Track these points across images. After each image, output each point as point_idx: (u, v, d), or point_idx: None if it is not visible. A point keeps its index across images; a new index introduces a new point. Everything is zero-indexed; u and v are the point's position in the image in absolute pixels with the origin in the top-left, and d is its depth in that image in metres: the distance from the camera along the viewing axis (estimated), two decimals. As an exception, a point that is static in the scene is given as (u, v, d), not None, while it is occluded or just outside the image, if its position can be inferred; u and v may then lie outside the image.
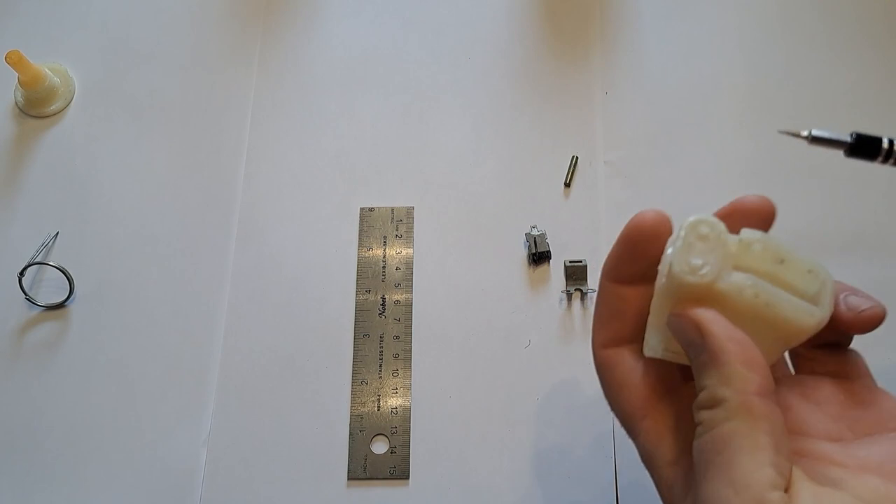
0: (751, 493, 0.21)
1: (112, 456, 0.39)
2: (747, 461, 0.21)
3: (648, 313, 0.26)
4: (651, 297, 0.26)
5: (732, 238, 0.24)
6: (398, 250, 0.43)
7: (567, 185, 0.45)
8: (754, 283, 0.23)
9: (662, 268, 0.25)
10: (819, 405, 0.26)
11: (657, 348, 0.26)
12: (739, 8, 0.49)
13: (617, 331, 0.27)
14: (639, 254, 0.26)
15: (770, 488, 0.21)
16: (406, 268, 0.43)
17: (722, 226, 0.24)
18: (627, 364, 0.27)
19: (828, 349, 0.27)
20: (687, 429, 0.25)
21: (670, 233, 0.26)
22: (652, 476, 0.26)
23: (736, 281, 0.23)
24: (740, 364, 0.23)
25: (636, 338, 0.27)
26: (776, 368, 0.27)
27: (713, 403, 0.23)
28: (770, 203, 0.26)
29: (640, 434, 0.26)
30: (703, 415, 0.23)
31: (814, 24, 0.48)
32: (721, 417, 0.22)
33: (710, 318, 0.23)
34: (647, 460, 0.26)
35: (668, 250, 0.25)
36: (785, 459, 0.22)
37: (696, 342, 0.24)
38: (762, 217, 0.26)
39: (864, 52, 0.47)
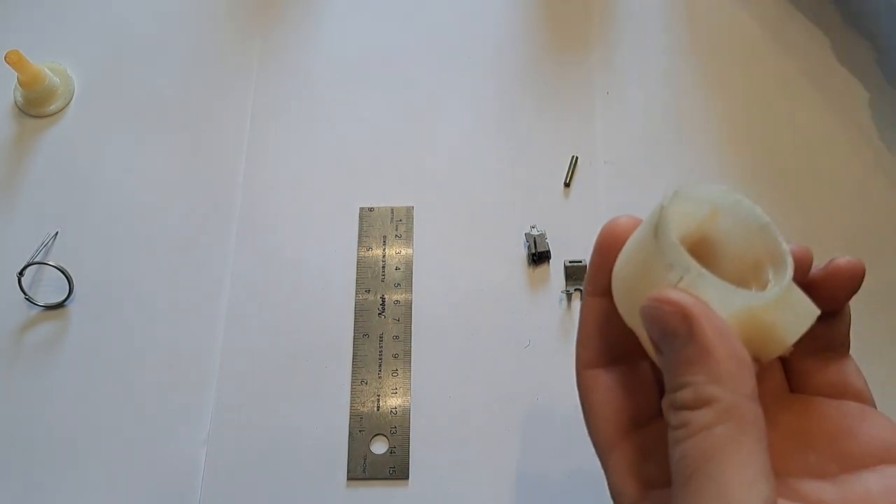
0: None
1: (112, 456, 0.39)
2: (741, 473, 0.19)
3: (628, 331, 0.25)
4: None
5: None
6: (398, 250, 0.43)
7: (567, 185, 0.45)
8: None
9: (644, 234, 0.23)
10: (803, 435, 0.24)
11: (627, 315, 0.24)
12: (740, 8, 0.49)
13: (594, 349, 0.26)
14: (613, 261, 0.25)
15: None
16: (406, 268, 0.43)
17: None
18: (603, 389, 0.25)
19: (821, 358, 0.25)
20: (655, 468, 0.23)
21: None
22: None
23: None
24: (733, 361, 0.20)
25: (616, 358, 0.26)
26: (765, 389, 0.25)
27: (699, 403, 0.20)
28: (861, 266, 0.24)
29: (608, 469, 0.25)
30: (686, 416, 0.20)
31: (814, 24, 0.48)
32: (709, 420, 0.20)
33: (699, 306, 0.21)
34: (613, 498, 0.25)
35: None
36: (772, 474, 0.20)
37: (679, 333, 0.21)
38: (855, 282, 0.24)
39: (864, 51, 0.47)
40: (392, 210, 0.44)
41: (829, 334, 0.25)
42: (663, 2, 0.49)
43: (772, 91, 0.47)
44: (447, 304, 0.42)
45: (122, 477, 0.39)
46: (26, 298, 0.42)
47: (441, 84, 0.48)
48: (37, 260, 0.43)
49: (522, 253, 0.43)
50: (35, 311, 0.43)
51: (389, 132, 0.47)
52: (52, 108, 0.47)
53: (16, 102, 0.48)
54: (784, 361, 0.26)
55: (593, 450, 0.26)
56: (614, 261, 0.25)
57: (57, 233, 0.44)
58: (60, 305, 0.43)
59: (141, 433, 0.40)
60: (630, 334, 0.24)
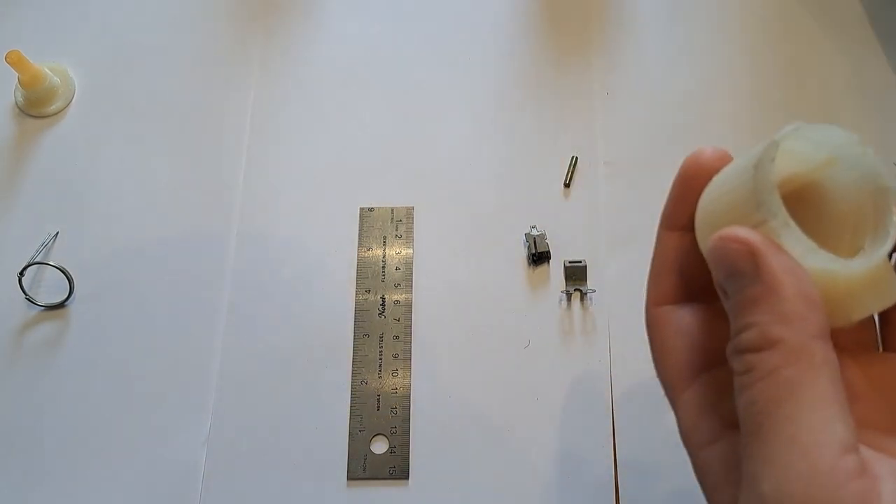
0: (821, 457, 0.17)
1: (112, 456, 0.39)
2: (814, 416, 0.18)
3: (707, 268, 0.24)
4: None
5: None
6: (398, 250, 0.43)
7: (567, 185, 0.45)
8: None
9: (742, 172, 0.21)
10: (885, 391, 0.22)
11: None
12: (739, 8, 0.49)
13: (669, 285, 0.25)
14: (695, 193, 0.23)
15: (843, 450, 0.18)
16: (406, 268, 0.43)
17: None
18: (676, 326, 0.24)
19: None
20: (731, 407, 0.22)
21: None
22: (689, 457, 0.23)
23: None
24: (801, 300, 0.19)
25: (690, 296, 0.25)
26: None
27: (765, 345, 0.19)
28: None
29: (679, 408, 0.24)
30: (752, 359, 0.19)
31: (814, 25, 0.48)
32: (777, 362, 0.19)
33: (768, 244, 0.20)
34: (683, 438, 0.24)
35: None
36: (850, 417, 0.18)
37: (745, 271, 0.20)
38: None
39: (864, 53, 0.47)
40: (392, 210, 0.44)
41: None
42: (663, 2, 0.49)
43: (773, 91, 0.47)
44: (447, 304, 0.42)
45: (123, 477, 0.39)
46: (27, 298, 0.42)
47: (441, 84, 0.48)
48: (37, 260, 0.43)
49: (522, 253, 0.43)
50: (35, 311, 0.43)
51: (389, 132, 0.47)
52: (53, 108, 0.47)
53: (16, 103, 0.48)
54: (879, 318, 0.24)
55: (663, 392, 0.25)
56: (695, 192, 0.24)
57: (57, 233, 0.44)
58: (61, 305, 0.43)
59: (141, 433, 0.40)
60: (707, 272, 0.23)
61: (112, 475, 0.39)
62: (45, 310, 0.43)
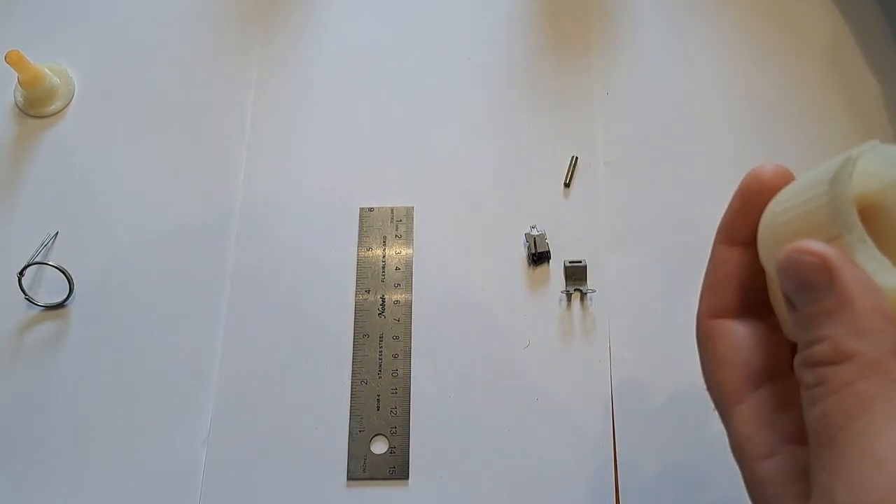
0: None
1: (112, 456, 0.39)
2: (890, 430, 0.18)
3: (764, 284, 0.24)
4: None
5: None
6: (398, 250, 0.43)
7: (567, 185, 0.45)
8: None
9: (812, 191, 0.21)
10: None
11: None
12: (739, 8, 0.49)
13: (725, 299, 0.25)
14: (756, 210, 0.24)
15: None
16: (406, 268, 0.43)
17: None
18: (732, 339, 0.24)
19: None
20: (789, 421, 0.22)
21: None
22: (741, 470, 0.23)
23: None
24: (877, 315, 0.19)
25: (746, 310, 0.25)
26: None
27: (839, 358, 0.19)
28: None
29: (734, 420, 0.24)
30: (824, 372, 0.19)
31: (813, 26, 0.48)
32: (851, 375, 0.19)
33: (842, 258, 0.20)
34: (737, 451, 0.24)
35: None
36: None
37: (818, 284, 0.20)
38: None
39: (863, 54, 0.47)
40: (392, 210, 0.44)
41: None
42: (663, 2, 0.49)
43: (774, 91, 0.47)
44: (447, 304, 0.42)
45: (122, 477, 0.39)
46: (26, 298, 0.42)
47: (441, 84, 0.48)
48: (37, 260, 0.43)
49: (522, 253, 0.43)
50: (35, 311, 0.43)
51: (389, 132, 0.47)
52: (53, 108, 0.47)
53: (16, 103, 0.48)
54: None
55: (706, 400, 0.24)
56: (756, 208, 0.24)
57: (57, 233, 0.44)
58: (60, 305, 0.43)
59: (141, 433, 0.40)
60: (763, 288, 0.23)
61: (112, 475, 0.39)
62: (44, 310, 0.43)
